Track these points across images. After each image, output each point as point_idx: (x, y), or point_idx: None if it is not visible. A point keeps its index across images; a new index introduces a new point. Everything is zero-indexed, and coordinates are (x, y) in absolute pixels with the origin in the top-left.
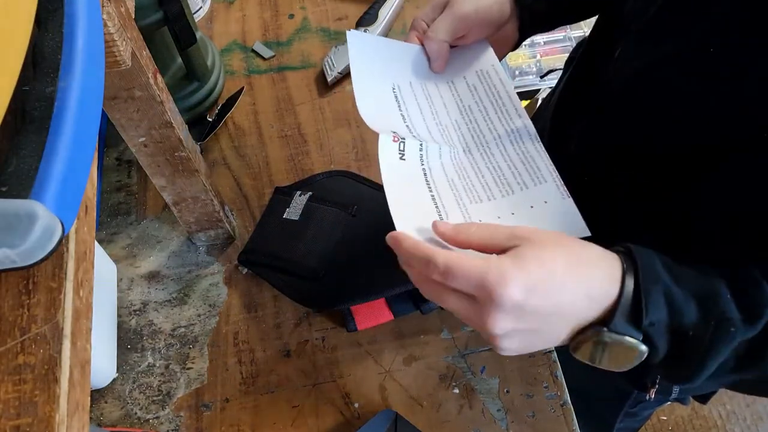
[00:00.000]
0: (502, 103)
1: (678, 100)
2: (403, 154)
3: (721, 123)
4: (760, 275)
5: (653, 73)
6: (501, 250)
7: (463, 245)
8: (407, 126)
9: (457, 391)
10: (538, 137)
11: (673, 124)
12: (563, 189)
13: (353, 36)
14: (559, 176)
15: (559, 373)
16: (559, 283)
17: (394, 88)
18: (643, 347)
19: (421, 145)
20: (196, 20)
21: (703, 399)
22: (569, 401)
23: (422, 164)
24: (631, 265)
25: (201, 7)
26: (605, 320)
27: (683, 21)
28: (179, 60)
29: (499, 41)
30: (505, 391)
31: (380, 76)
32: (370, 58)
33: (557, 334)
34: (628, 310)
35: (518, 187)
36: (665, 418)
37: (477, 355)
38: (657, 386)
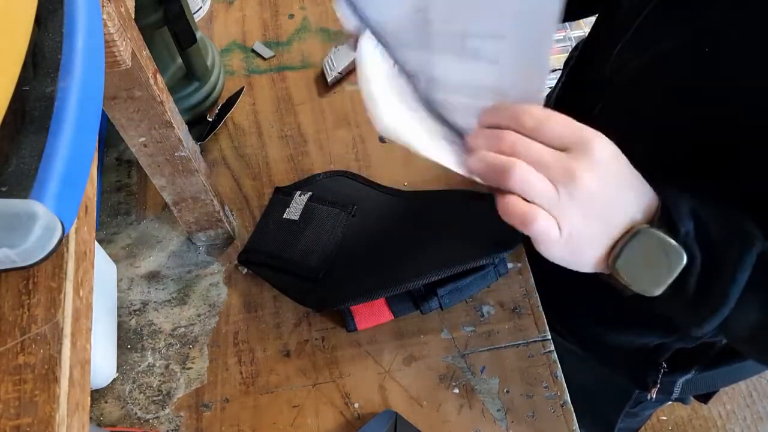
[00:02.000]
0: None
1: (677, 98)
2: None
3: (722, 121)
4: None
5: (652, 70)
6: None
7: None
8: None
9: (457, 391)
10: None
11: (675, 122)
12: None
13: None
14: None
15: (559, 373)
16: (629, 170)
17: None
18: (683, 253)
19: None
20: (196, 20)
21: (704, 398)
22: (569, 401)
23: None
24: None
25: (201, 7)
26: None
27: (678, 20)
28: (179, 60)
29: None
30: (505, 391)
31: None
32: None
33: (610, 226)
34: (665, 220)
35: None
36: (665, 418)
37: (477, 355)
38: (659, 385)
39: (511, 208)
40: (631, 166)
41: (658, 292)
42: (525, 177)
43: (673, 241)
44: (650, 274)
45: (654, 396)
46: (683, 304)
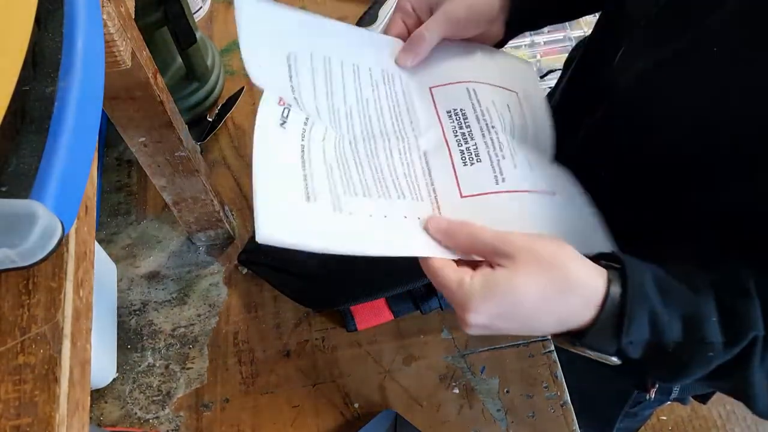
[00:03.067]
0: (398, 111)
1: (683, 101)
2: (285, 122)
3: (728, 125)
4: (754, 288)
5: (657, 73)
6: (491, 257)
7: (451, 246)
8: (295, 98)
9: (457, 391)
10: (426, 156)
11: (679, 126)
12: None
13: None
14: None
15: (559, 373)
16: (527, 312)
17: (288, 57)
18: (614, 360)
19: (307, 119)
20: (196, 20)
21: (703, 399)
22: (569, 401)
23: (302, 140)
24: (619, 282)
25: (201, 7)
26: (581, 332)
27: (685, 22)
28: (179, 60)
29: (482, 40)
30: (505, 391)
31: (273, 42)
32: (264, 21)
33: (531, 333)
34: (608, 326)
35: (395, 194)
36: (665, 418)
37: (477, 355)
38: (657, 386)
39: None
40: (542, 295)
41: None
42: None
43: (602, 355)
44: (592, 357)
45: (653, 396)
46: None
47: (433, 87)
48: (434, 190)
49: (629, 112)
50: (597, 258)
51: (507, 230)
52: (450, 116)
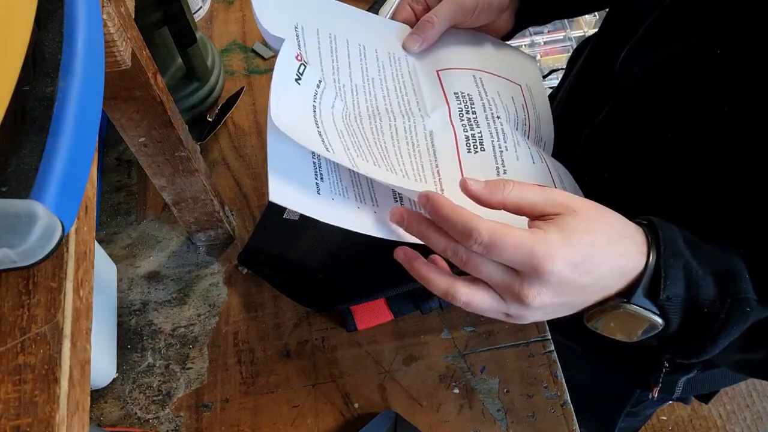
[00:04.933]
0: (404, 91)
1: (688, 100)
2: (300, 78)
3: (734, 123)
4: None
5: (662, 72)
6: (539, 215)
7: (497, 207)
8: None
9: (457, 391)
10: (432, 136)
11: (685, 125)
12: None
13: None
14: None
15: (559, 373)
16: (601, 257)
17: (296, 27)
18: (659, 320)
19: (320, 81)
20: (196, 20)
21: (705, 399)
22: (569, 401)
23: (314, 101)
24: (653, 238)
25: (201, 7)
26: (626, 293)
27: (691, 21)
28: (179, 60)
29: (490, 30)
30: (505, 391)
31: (283, 12)
32: None
33: (581, 306)
34: (648, 284)
35: (400, 174)
36: (665, 418)
37: (477, 355)
38: (660, 385)
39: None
40: (609, 238)
41: (634, 340)
42: (470, 300)
43: (648, 314)
44: (624, 331)
45: (656, 395)
46: (662, 346)
47: (440, 70)
48: (438, 173)
49: (634, 112)
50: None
51: (506, 222)
52: (457, 97)
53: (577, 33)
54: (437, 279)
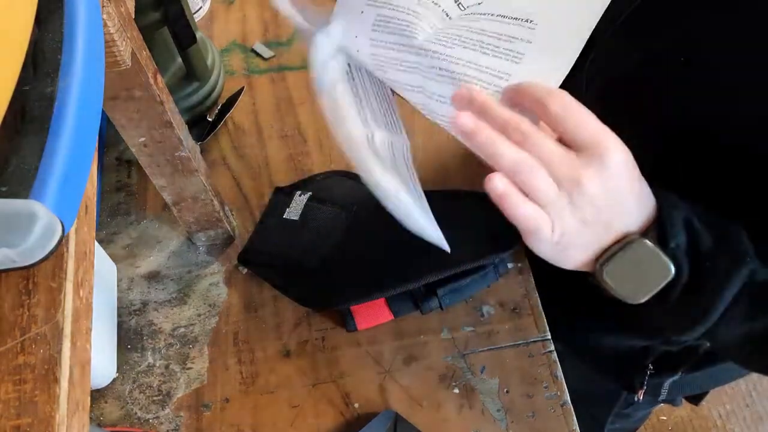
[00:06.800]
0: None
1: (654, 108)
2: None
3: (697, 130)
4: None
5: (626, 79)
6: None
7: (553, 106)
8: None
9: (457, 391)
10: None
11: (652, 133)
12: None
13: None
14: None
15: (559, 373)
16: (639, 185)
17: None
18: (672, 266)
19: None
20: (196, 20)
21: (695, 400)
22: (569, 401)
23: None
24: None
25: (201, 7)
26: (646, 230)
27: (655, 28)
28: (179, 60)
29: None
30: (505, 391)
31: None
32: None
33: (605, 235)
34: (656, 233)
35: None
36: (665, 418)
37: (477, 355)
38: (645, 387)
39: (507, 198)
40: (641, 177)
41: (641, 300)
42: (528, 179)
43: (663, 255)
44: (636, 283)
45: (641, 398)
46: (665, 313)
47: None
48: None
49: (616, 115)
50: None
51: None
52: None
53: None
54: (506, 148)
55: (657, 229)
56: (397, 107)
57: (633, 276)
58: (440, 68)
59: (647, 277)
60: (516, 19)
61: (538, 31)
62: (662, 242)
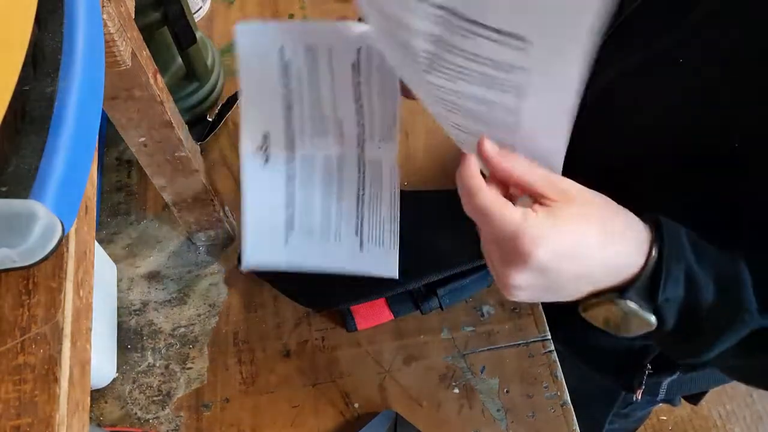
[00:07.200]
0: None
1: (651, 112)
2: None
3: (696, 136)
4: None
5: (624, 83)
6: (539, 196)
7: (502, 174)
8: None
9: (457, 391)
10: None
11: (650, 136)
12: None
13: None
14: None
15: (559, 373)
16: (589, 252)
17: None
18: (653, 320)
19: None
20: (196, 20)
21: (694, 400)
22: (569, 401)
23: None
24: (657, 237)
25: (201, 7)
26: (621, 289)
27: (652, 31)
28: (179, 60)
29: None
30: (505, 391)
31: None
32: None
33: (570, 294)
34: (646, 284)
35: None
36: (665, 418)
37: (477, 355)
38: (644, 387)
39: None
40: (602, 234)
41: (626, 336)
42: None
43: (643, 313)
44: (616, 327)
45: (639, 397)
46: (658, 345)
47: None
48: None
49: (597, 126)
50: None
51: None
52: None
53: None
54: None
55: (649, 280)
56: (398, 111)
57: (613, 322)
58: (451, 102)
59: (627, 324)
60: (504, 34)
61: (532, 51)
62: (652, 293)
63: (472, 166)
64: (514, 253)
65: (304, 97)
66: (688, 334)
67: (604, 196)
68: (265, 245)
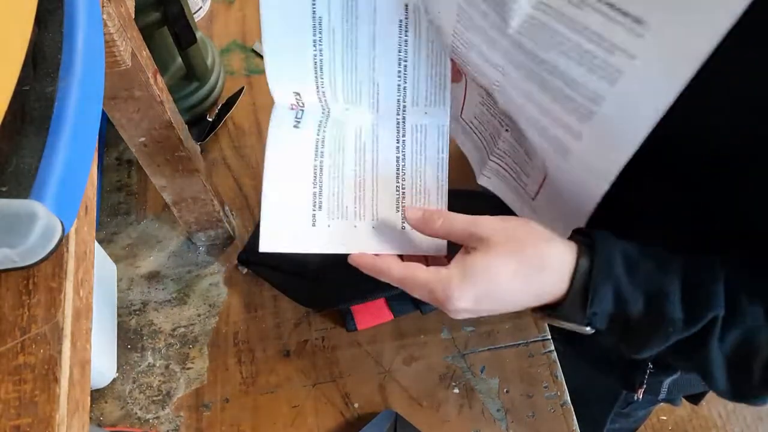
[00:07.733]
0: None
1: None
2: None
3: (692, 141)
4: (723, 272)
5: None
6: (464, 244)
7: (429, 234)
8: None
9: (457, 391)
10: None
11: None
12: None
13: None
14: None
15: (559, 373)
16: (505, 290)
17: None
18: (588, 329)
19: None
20: (196, 20)
21: (695, 400)
22: (569, 401)
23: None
24: (588, 256)
25: (201, 7)
26: (555, 306)
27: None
28: (179, 60)
29: None
30: (505, 391)
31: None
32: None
33: (513, 309)
34: (575, 300)
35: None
36: (665, 418)
37: (477, 355)
38: (645, 386)
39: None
40: (516, 273)
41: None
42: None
43: (574, 325)
44: (563, 327)
45: (641, 396)
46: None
47: None
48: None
49: None
50: (574, 233)
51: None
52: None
53: None
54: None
55: (579, 297)
56: (448, 74)
57: (562, 326)
58: (527, 69)
59: (573, 328)
60: (624, 14)
61: (648, 38)
62: (581, 308)
63: (364, 257)
64: (437, 302)
65: (336, 58)
66: (621, 338)
67: (528, 229)
68: (288, 226)
